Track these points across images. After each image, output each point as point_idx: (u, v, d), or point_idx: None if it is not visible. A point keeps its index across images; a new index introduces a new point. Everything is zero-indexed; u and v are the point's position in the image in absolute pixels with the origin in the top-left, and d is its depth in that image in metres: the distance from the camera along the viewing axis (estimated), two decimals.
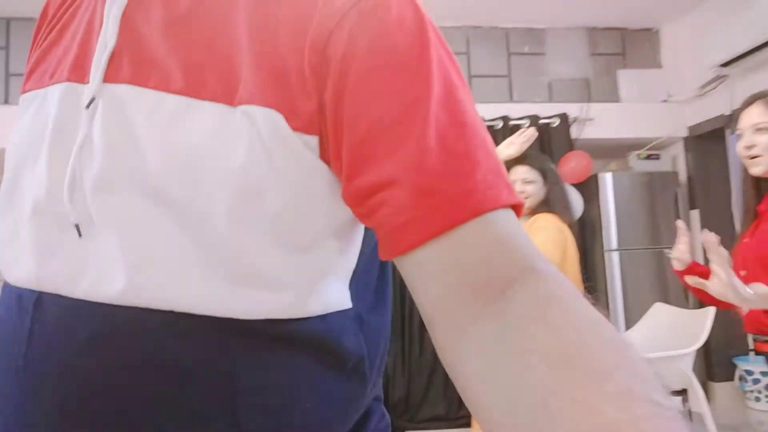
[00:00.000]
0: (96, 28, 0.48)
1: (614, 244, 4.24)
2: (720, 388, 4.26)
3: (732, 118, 4.23)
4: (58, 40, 0.53)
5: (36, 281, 0.45)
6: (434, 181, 0.39)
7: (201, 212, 0.42)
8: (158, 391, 0.42)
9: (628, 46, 4.82)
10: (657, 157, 4.59)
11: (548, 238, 2.31)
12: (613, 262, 4.19)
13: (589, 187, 4.31)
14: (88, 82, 0.46)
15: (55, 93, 0.48)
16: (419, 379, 3.98)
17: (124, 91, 0.45)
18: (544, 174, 2.49)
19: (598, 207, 4.31)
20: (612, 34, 4.80)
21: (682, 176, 4.59)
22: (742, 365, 3.83)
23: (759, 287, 1.38)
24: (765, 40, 3.67)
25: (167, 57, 0.45)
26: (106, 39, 0.46)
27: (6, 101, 4.12)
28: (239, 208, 0.42)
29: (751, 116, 1.58)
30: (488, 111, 4.30)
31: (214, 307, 0.42)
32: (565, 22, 4.63)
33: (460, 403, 3.84)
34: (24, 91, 0.54)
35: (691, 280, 1.50)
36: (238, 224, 0.42)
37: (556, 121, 4.31)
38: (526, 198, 2.45)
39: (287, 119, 0.42)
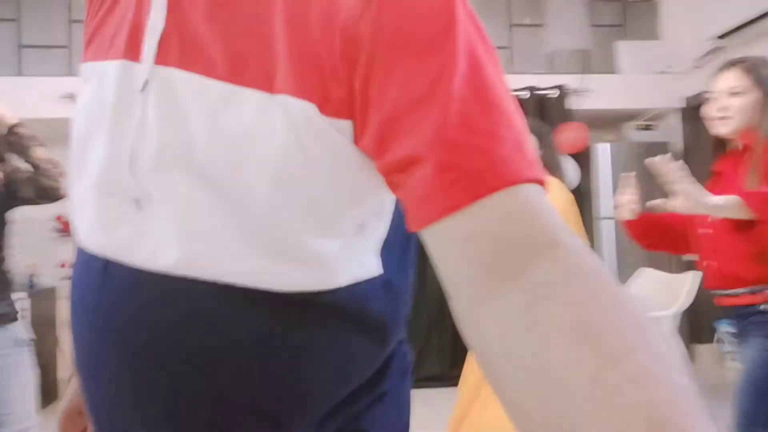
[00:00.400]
0: (145, 7, 0.50)
1: (610, 212, 4.34)
2: (704, 349, 4.42)
3: None
4: (113, 10, 0.55)
5: (102, 248, 0.51)
6: (456, 156, 0.40)
7: (243, 193, 0.46)
8: (205, 348, 0.48)
9: (628, 18, 4.85)
10: (654, 128, 4.66)
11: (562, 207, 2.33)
12: (609, 230, 4.30)
13: (585, 158, 4.39)
14: (140, 61, 0.50)
15: (112, 69, 0.52)
16: (415, 342, 4.13)
17: (173, 74, 0.48)
18: (540, 138, 2.50)
19: (593, 176, 4.41)
20: (613, 5, 4.83)
21: (678, 146, 4.67)
22: (722, 327, 3.97)
23: (723, 197, 1.47)
24: (761, 13, 3.71)
25: (211, 42, 0.47)
26: (156, 22, 0.49)
27: (19, 72, 4.22)
28: (278, 191, 0.46)
29: (728, 80, 1.66)
30: None
31: (254, 279, 0.47)
32: None
33: (453, 364, 4.01)
34: (85, 60, 0.57)
35: (652, 204, 1.56)
36: (277, 205, 0.46)
37: (556, 92, 4.37)
38: None
39: (320, 107, 0.44)
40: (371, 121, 0.43)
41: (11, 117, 1.83)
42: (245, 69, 0.46)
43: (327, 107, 0.45)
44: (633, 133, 4.63)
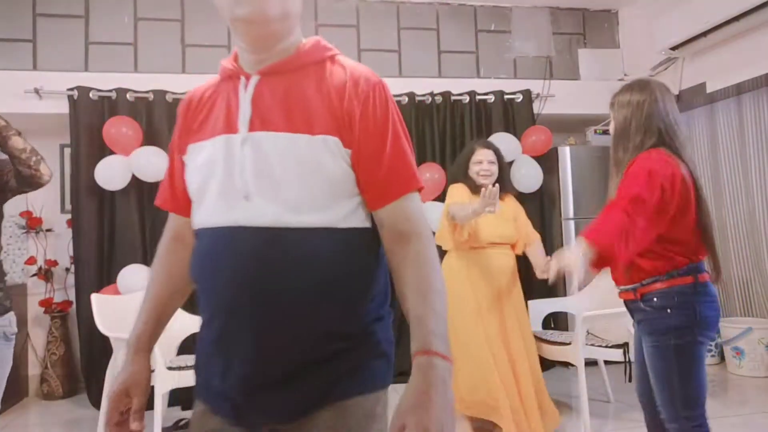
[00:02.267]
0: (234, 106, 1.01)
1: (571, 213, 4.55)
2: None
3: (680, 98, 4.56)
4: (209, 115, 1.06)
5: (224, 221, 0.98)
6: (384, 178, 0.99)
7: (301, 185, 0.95)
8: (288, 269, 0.94)
9: (588, 27, 5.08)
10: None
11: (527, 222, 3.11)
12: (570, 230, 4.50)
13: (548, 160, 4.59)
14: (238, 132, 0.99)
15: (220, 139, 1.01)
16: None
17: (257, 134, 0.98)
18: (499, 157, 3.05)
19: (558, 178, 4.60)
20: (573, 14, 5.05)
21: None
22: None
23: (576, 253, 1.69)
24: (710, 27, 3.97)
25: (278, 114, 0.99)
26: (246, 111, 1.00)
27: (86, 68, 4.17)
28: (320, 183, 0.96)
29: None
30: (456, 86, 4.52)
31: (303, 223, 0.95)
32: (529, 1, 4.85)
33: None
34: (192, 142, 1.06)
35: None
36: (319, 188, 0.96)
37: (520, 97, 4.56)
38: (491, 175, 2.98)
39: (342, 141, 0.97)
40: (361, 156, 0.99)
41: None
42: (297, 124, 0.97)
43: (344, 142, 0.98)
44: (593, 137, 4.85)
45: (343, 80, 1.01)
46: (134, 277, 3.58)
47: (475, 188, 2.98)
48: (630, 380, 3.10)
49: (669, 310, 1.81)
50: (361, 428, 0.97)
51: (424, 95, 4.41)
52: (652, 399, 1.94)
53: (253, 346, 0.95)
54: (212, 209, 1.00)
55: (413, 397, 0.86)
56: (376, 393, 1.01)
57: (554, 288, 4.63)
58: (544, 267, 2.82)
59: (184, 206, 1.10)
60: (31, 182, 1.88)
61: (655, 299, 1.83)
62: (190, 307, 3.86)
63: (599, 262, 1.67)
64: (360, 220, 1.01)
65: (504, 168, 3.08)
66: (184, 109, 1.12)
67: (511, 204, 3.10)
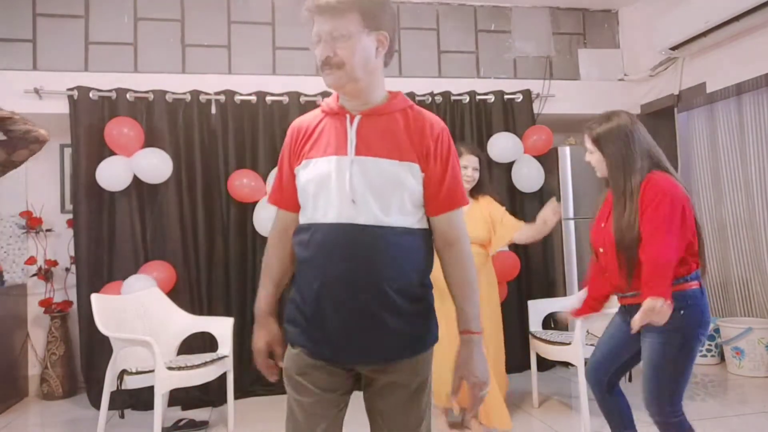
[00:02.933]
0: (342, 135, 1.39)
1: (570, 213, 4.55)
2: None
3: (680, 98, 4.56)
4: (319, 140, 1.42)
5: (338, 219, 1.34)
6: (444, 195, 1.41)
7: (390, 195, 1.35)
8: (383, 254, 1.34)
9: (588, 27, 5.09)
10: None
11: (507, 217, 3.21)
12: (570, 230, 4.50)
13: (548, 160, 4.59)
14: (346, 155, 1.37)
15: (332, 159, 1.37)
16: None
17: (362, 158, 1.37)
18: (481, 163, 3.20)
19: (558, 178, 4.60)
20: (573, 14, 5.05)
21: None
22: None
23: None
24: (709, 27, 3.97)
25: (376, 144, 1.38)
26: (353, 139, 1.37)
27: (86, 68, 4.17)
28: (403, 194, 1.36)
29: (585, 142, 2.24)
30: (456, 86, 4.52)
31: (396, 222, 1.36)
32: (529, 1, 4.85)
33: None
34: (308, 158, 1.41)
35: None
36: (401, 199, 1.36)
37: (520, 97, 4.56)
38: (472, 181, 3.12)
39: (420, 167, 1.38)
40: (432, 181, 1.40)
41: None
42: (391, 152, 1.37)
43: (423, 168, 1.39)
44: None
45: (422, 124, 1.42)
46: (138, 284, 3.59)
47: None
48: (630, 380, 3.10)
49: (682, 312, 1.96)
50: (426, 372, 1.44)
51: (424, 95, 4.41)
52: (607, 378, 2.26)
53: (357, 304, 1.34)
54: (327, 210, 1.37)
55: (463, 362, 1.39)
56: (432, 346, 1.46)
57: (554, 288, 4.63)
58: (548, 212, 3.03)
59: (293, 205, 1.47)
60: (38, 142, 2.15)
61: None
62: (191, 307, 3.85)
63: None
64: (424, 224, 1.43)
65: (483, 170, 3.22)
66: (295, 132, 1.49)
67: (486, 205, 3.18)
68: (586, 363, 3.08)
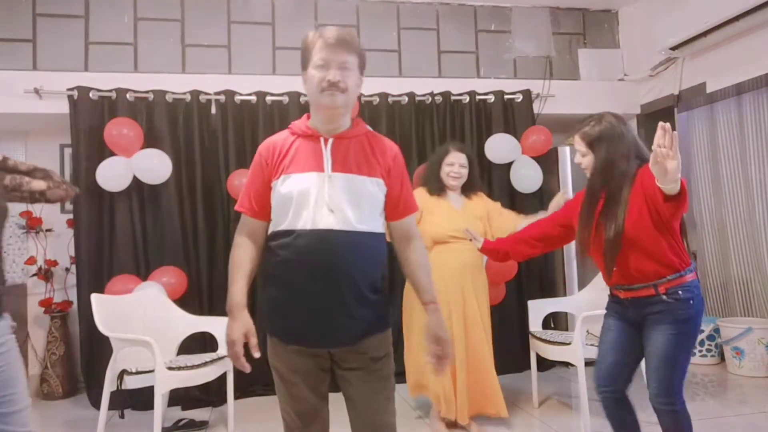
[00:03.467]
0: (319, 155, 1.64)
1: None
2: None
3: (680, 98, 4.56)
4: (295, 157, 1.65)
5: (318, 226, 1.57)
6: (403, 204, 1.73)
7: (361, 206, 1.62)
8: (356, 254, 1.60)
9: (588, 27, 5.09)
10: None
11: (503, 212, 3.32)
12: None
13: (548, 160, 4.59)
14: (324, 171, 1.62)
15: (313, 174, 1.61)
16: None
17: (337, 174, 1.62)
18: (471, 161, 3.24)
19: (558, 179, 4.61)
20: (573, 14, 5.05)
21: None
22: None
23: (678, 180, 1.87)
24: (709, 27, 3.97)
25: (348, 163, 1.64)
26: (328, 158, 1.63)
27: (86, 68, 4.18)
28: (371, 205, 1.65)
29: (576, 144, 2.27)
30: (456, 86, 4.52)
31: (367, 227, 1.63)
32: (529, 1, 4.85)
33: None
34: (287, 173, 1.63)
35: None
36: (370, 209, 1.64)
37: (520, 97, 4.56)
38: (459, 178, 3.18)
39: (384, 182, 1.68)
40: (392, 189, 1.71)
41: None
42: (361, 170, 1.64)
43: (386, 182, 1.69)
44: None
45: (383, 147, 1.72)
46: (149, 290, 3.61)
47: (439, 189, 3.18)
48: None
49: (692, 301, 2.06)
50: (390, 347, 1.73)
51: (424, 95, 4.41)
52: (625, 386, 2.23)
53: (332, 296, 1.59)
54: (308, 218, 1.59)
55: (436, 326, 1.68)
56: (390, 328, 1.75)
57: (554, 288, 4.64)
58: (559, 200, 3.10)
59: (264, 214, 1.68)
60: (58, 201, 2.02)
61: (680, 292, 2.06)
62: (191, 308, 3.85)
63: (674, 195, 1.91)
64: (384, 228, 1.72)
65: (474, 168, 3.27)
66: (271, 149, 1.69)
67: (480, 202, 3.25)
68: (586, 364, 3.10)
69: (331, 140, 1.66)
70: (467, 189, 3.23)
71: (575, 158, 2.31)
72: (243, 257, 1.68)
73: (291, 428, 1.73)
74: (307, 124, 1.70)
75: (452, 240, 3.10)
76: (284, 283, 1.63)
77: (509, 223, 3.18)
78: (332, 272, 1.58)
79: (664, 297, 2.06)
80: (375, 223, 1.65)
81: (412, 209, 1.76)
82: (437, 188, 3.18)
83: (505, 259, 2.72)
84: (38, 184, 1.88)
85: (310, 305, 1.60)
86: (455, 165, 3.15)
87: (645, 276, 2.09)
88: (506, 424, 3.19)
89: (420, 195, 3.12)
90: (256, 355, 1.60)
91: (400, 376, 4.05)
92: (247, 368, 1.60)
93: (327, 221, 1.57)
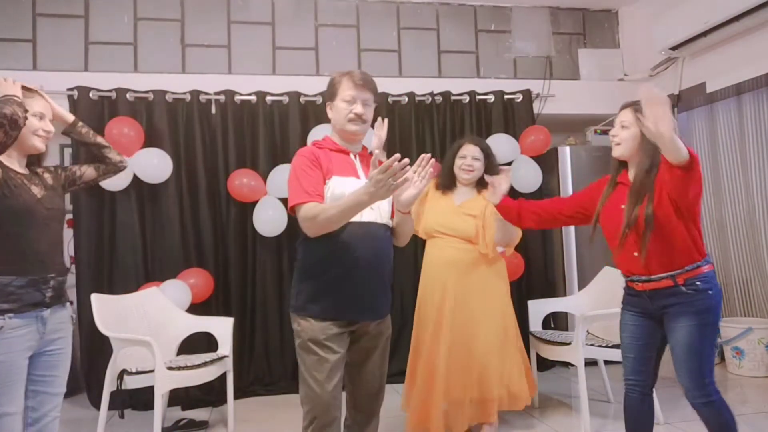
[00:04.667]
0: (351, 165, 2.08)
1: None
2: None
3: (680, 98, 4.56)
4: (335, 166, 2.02)
5: (364, 218, 1.97)
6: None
7: (386, 206, 2.07)
8: (387, 241, 2.08)
9: (588, 27, 5.09)
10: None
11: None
12: (570, 230, 4.50)
13: (548, 160, 4.59)
14: (359, 178, 2.05)
15: (353, 179, 2.02)
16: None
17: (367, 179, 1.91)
18: (486, 154, 3.12)
19: (558, 178, 4.61)
20: (573, 14, 5.05)
21: None
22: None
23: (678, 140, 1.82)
24: (708, 27, 3.97)
25: (370, 171, 1.86)
26: (359, 169, 2.10)
27: (85, 68, 4.18)
28: (389, 206, 2.10)
29: (621, 116, 2.21)
30: (456, 86, 4.52)
31: (388, 222, 2.09)
32: (529, 1, 4.85)
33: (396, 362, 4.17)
34: (334, 175, 2.00)
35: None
36: (387, 208, 2.09)
37: (519, 97, 4.56)
38: (473, 171, 3.07)
39: None
40: None
41: (68, 114, 2.33)
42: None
43: None
44: (593, 137, 4.85)
45: (373, 161, 2.12)
46: (175, 291, 3.67)
47: (449, 184, 3.14)
48: None
49: (710, 291, 2.04)
50: (391, 325, 2.20)
51: (424, 95, 4.41)
52: (646, 378, 2.20)
53: (378, 276, 2.03)
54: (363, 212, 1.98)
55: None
56: None
57: (554, 288, 4.63)
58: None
59: (322, 200, 1.98)
60: (115, 168, 2.36)
61: (698, 283, 2.04)
62: (191, 307, 3.84)
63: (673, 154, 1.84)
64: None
65: (492, 161, 3.11)
66: (317, 154, 2.03)
67: (481, 201, 3.05)
68: (586, 363, 3.10)
69: (357, 157, 2.11)
70: (480, 184, 3.10)
71: (611, 132, 2.23)
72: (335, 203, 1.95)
73: (316, 382, 1.92)
74: (335, 142, 2.10)
75: (438, 235, 3.04)
76: (342, 261, 1.95)
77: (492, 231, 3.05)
78: (378, 254, 2.01)
79: (683, 288, 2.04)
80: (389, 218, 2.09)
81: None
82: (446, 183, 3.13)
83: (516, 221, 2.65)
84: (101, 139, 2.38)
85: (362, 281, 1.97)
86: (467, 158, 3.08)
87: (663, 265, 2.07)
88: (506, 424, 3.19)
89: (426, 189, 3.07)
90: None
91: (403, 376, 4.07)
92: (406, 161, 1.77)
93: (370, 215, 1.98)
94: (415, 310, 3.10)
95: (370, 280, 1.98)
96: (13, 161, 1.97)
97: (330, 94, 2.08)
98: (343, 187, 1.94)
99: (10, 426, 1.77)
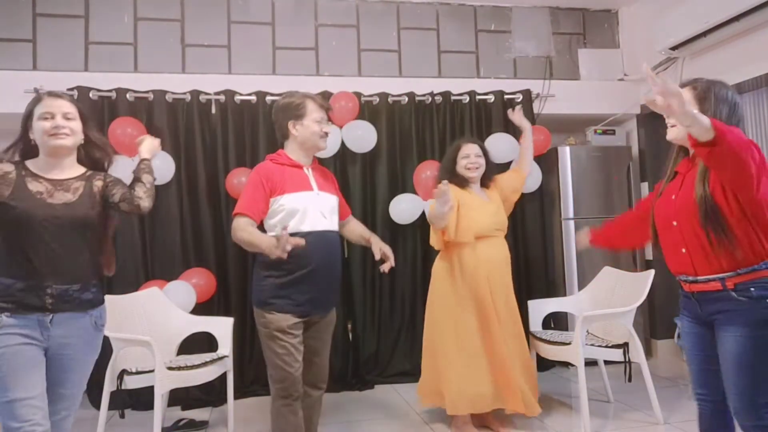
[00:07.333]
0: (305, 179, 2.40)
1: (570, 213, 4.55)
2: (661, 344, 4.68)
3: None
4: (286, 180, 2.35)
5: (317, 228, 2.36)
6: (345, 209, 2.68)
7: (335, 214, 2.50)
8: (338, 246, 2.47)
9: (588, 27, 5.08)
10: (612, 133, 4.90)
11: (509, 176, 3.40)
12: (570, 230, 4.50)
13: (548, 160, 4.59)
14: (312, 190, 2.39)
15: (307, 193, 2.37)
16: (388, 338, 4.26)
17: (322, 192, 2.43)
18: (485, 151, 3.23)
19: (557, 178, 4.61)
20: (573, 14, 5.04)
21: (635, 151, 4.92)
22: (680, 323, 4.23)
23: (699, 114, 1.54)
24: (709, 27, 3.96)
25: (323, 184, 2.46)
26: (313, 183, 2.42)
27: (85, 68, 4.18)
28: (337, 213, 2.53)
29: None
30: (456, 86, 4.52)
31: (336, 229, 2.49)
32: (529, 1, 4.85)
33: (397, 363, 4.20)
34: (289, 192, 2.33)
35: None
36: (337, 215, 2.53)
37: (520, 97, 4.56)
38: (479, 167, 3.16)
39: (337, 196, 2.61)
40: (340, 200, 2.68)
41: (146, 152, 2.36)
42: (329, 189, 2.51)
43: (337, 195, 2.58)
44: (593, 137, 4.85)
45: (326, 172, 2.58)
46: (179, 291, 3.68)
47: (463, 183, 3.15)
48: (630, 380, 3.11)
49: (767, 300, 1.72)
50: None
51: (424, 95, 4.41)
52: (715, 392, 1.88)
53: (331, 278, 2.40)
54: (312, 223, 2.31)
55: (378, 241, 2.59)
56: None
57: (554, 288, 4.63)
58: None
59: (261, 218, 2.32)
60: (137, 210, 2.09)
61: (752, 289, 1.73)
62: (192, 308, 3.83)
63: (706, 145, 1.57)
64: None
65: (489, 158, 3.26)
66: (270, 171, 2.35)
67: (495, 190, 3.26)
68: (586, 363, 3.10)
69: (310, 169, 2.44)
70: (485, 179, 3.22)
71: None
72: (251, 229, 2.27)
73: (286, 363, 2.26)
74: (290, 158, 2.41)
75: (497, 234, 3.13)
76: (292, 269, 2.27)
77: (517, 181, 3.34)
78: (330, 258, 2.39)
79: (733, 294, 1.74)
80: (336, 224, 2.48)
81: (349, 210, 2.74)
82: (460, 184, 3.14)
83: (611, 246, 2.53)
84: (147, 178, 2.25)
85: (319, 280, 2.33)
86: (471, 156, 3.14)
87: (711, 265, 1.78)
88: (506, 423, 3.19)
89: (453, 191, 3.01)
90: (301, 242, 2.17)
91: (408, 376, 4.08)
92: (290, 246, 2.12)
93: (323, 224, 2.36)
94: (444, 310, 3.12)
95: (324, 280, 2.36)
96: (41, 166, 1.97)
97: (296, 115, 2.39)
98: (296, 203, 2.30)
99: (24, 411, 1.74)
